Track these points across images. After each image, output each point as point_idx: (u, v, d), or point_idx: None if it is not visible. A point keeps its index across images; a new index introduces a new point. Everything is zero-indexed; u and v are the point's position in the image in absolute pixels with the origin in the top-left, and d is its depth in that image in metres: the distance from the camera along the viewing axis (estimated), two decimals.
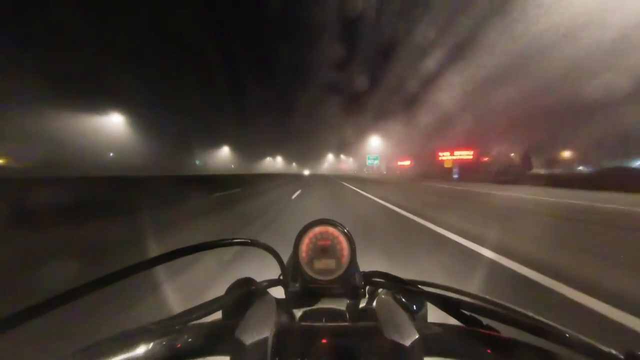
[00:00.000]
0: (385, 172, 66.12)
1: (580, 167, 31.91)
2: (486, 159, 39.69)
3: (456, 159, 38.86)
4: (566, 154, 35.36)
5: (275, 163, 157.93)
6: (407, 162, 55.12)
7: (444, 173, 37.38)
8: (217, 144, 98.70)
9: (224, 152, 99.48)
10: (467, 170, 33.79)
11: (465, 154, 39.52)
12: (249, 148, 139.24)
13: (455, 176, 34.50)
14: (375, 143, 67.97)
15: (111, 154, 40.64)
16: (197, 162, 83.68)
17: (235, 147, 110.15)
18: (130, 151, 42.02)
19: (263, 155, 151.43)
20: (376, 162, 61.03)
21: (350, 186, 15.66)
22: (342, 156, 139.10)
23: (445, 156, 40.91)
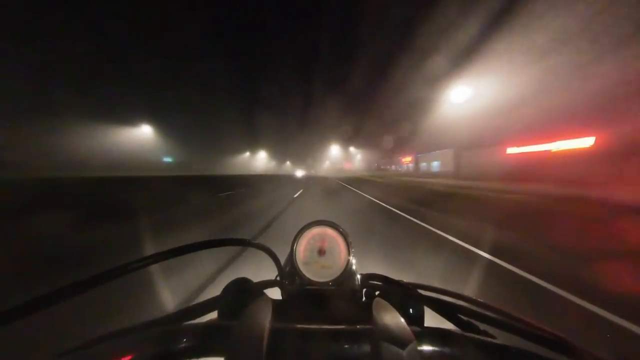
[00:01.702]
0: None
1: None
2: None
3: None
4: None
5: (257, 160, 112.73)
6: (579, 143, 13.31)
7: None
8: (131, 118, 50.04)
9: (144, 133, 50.62)
10: None
11: None
12: (213, 137, 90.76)
13: None
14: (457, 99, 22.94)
15: None
16: (169, 159, 50.58)
17: (177, 130, 63.89)
18: None
19: (237, 150, 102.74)
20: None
21: None
22: (351, 149, 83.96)
23: None
